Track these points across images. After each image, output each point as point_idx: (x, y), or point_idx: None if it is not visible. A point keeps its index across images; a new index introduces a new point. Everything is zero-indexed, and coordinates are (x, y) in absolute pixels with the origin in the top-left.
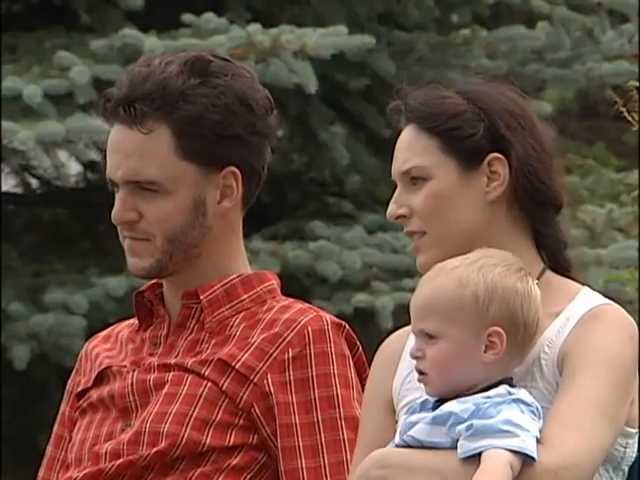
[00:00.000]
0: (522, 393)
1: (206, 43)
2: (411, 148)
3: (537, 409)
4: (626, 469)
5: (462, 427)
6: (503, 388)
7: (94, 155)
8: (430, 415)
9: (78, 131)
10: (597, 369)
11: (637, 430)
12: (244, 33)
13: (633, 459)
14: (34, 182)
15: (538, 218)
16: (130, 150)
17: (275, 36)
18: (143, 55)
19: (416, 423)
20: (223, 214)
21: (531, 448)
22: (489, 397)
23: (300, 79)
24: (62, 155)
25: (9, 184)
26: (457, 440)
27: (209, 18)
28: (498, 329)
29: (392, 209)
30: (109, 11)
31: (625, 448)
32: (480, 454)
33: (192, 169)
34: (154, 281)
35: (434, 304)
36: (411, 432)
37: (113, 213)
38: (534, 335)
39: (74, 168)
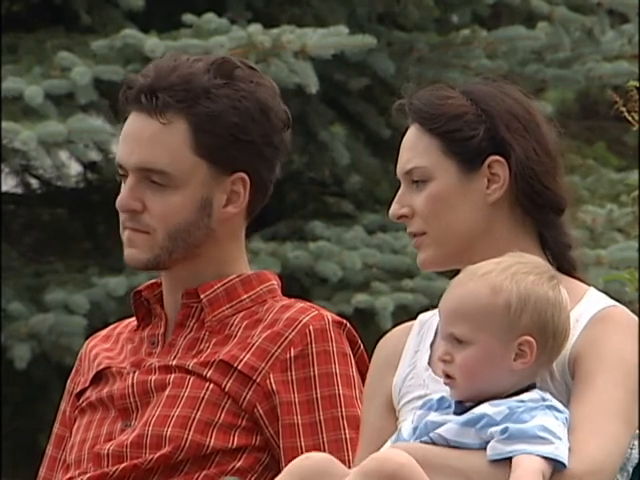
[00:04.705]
0: (554, 400)
1: (207, 43)
2: (414, 148)
3: (566, 419)
4: (630, 470)
5: (496, 429)
6: (536, 393)
7: (94, 155)
8: (463, 418)
9: (79, 131)
10: (614, 373)
11: (639, 431)
12: (245, 33)
13: (637, 459)
14: (34, 182)
15: (540, 220)
16: (146, 138)
17: (276, 36)
18: (144, 55)
19: (442, 423)
20: (227, 219)
21: (564, 455)
22: (522, 401)
23: (301, 79)
24: (62, 155)
25: (9, 184)
26: (487, 442)
27: (210, 18)
28: (529, 338)
29: (394, 209)
30: (110, 11)
31: (631, 449)
32: (510, 458)
33: (203, 167)
34: (152, 281)
35: (466, 309)
36: (439, 430)
37: (118, 199)
38: (563, 343)
39: (74, 168)
